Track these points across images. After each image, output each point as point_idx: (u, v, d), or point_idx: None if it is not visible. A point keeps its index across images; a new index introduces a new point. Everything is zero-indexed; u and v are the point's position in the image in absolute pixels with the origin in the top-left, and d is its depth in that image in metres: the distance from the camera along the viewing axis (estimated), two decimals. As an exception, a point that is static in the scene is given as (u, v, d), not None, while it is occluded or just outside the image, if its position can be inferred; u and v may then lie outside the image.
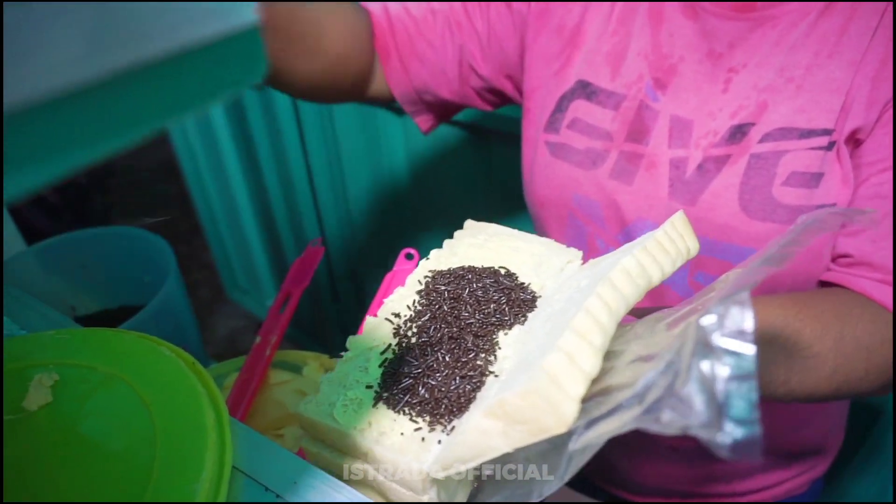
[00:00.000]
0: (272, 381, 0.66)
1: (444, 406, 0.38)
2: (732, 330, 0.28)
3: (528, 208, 0.73)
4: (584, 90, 0.64)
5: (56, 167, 0.17)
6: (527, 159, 0.71)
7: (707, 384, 0.27)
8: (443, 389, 0.38)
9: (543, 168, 0.67)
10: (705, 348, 0.28)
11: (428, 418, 0.37)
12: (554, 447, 0.33)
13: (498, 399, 0.32)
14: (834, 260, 0.58)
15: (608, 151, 0.63)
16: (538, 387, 0.30)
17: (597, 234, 0.65)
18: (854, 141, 0.55)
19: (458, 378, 0.39)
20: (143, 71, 0.19)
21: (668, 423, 0.27)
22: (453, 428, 0.36)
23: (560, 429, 0.30)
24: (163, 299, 0.66)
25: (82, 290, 0.78)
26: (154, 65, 0.19)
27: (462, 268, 0.48)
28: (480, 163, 1.21)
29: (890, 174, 0.53)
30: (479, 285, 0.46)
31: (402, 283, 0.49)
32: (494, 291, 0.45)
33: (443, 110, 0.78)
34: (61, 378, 0.42)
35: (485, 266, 0.48)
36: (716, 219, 0.57)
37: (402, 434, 0.37)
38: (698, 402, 0.27)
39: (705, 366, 0.27)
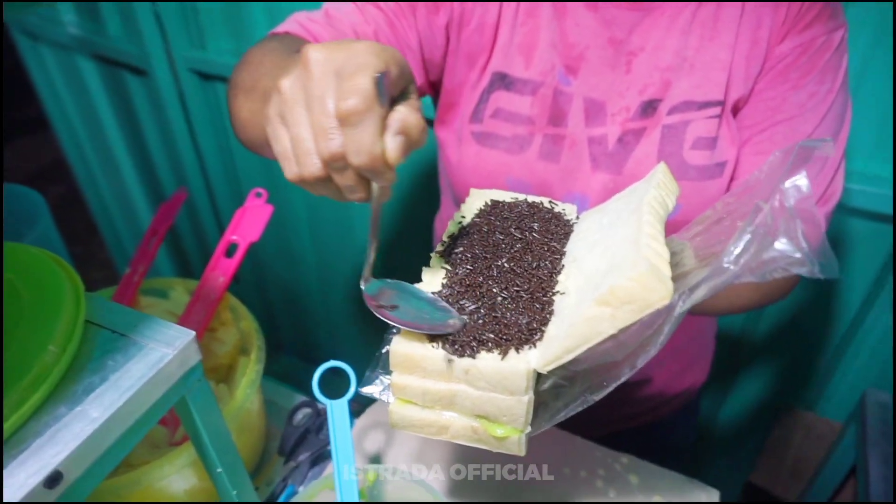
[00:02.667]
0: (142, 304, 0.77)
1: (523, 326, 0.44)
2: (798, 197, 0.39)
3: (453, 197, 0.80)
4: (502, 81, 0.69)
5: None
6: (452, 152, 0.75)
7: (794, 239, 0.37)
8: (517, 313, 0.45)
9: (472, 157, 0.71)
10: (786, 213, 0.38)
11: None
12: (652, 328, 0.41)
13: (609, 287, 0.38)
14: None
15: (533, 135, 0.69)
16: (643, 271, 0.37)
17: None
18: (735, 109, 0.67)
19: (532, 301, 0.45)
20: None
21: (771, 269, 0.38)
22: (540, 335, 0.43)
23: (665, 300, 0.38)
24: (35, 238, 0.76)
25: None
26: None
27: (502, 204, 0.57)
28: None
29: (768, 134, 0.66)
30: (521, 221, 0.54)
31: (252, 219, 0.60)
32: (537, 224, 0.54)
33: None
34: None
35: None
36: None
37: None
38: (792, 247, 0.37)
39: (790, 225, 0.38)
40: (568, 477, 0.72)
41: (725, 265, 0.39)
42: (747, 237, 0.39)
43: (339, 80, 0.39)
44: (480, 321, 0.44)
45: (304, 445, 0.77)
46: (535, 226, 0.54)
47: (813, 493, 1.41)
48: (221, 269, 0.75)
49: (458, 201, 0.79)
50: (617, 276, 0.39)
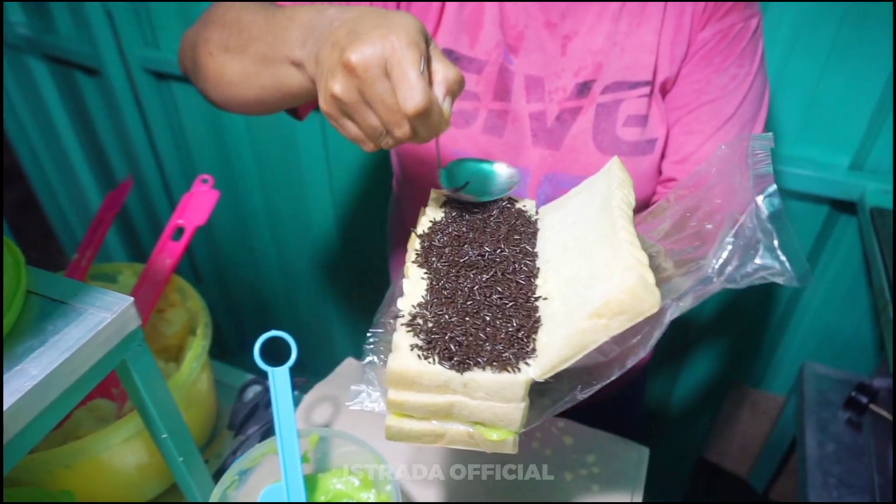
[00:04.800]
0: (91, 287, 0.78)
1: (509, 337, 0.45)
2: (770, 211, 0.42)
3: (403, 173, 0.82)
4: (449, 57, 0.69)
5: None
6: None
7: (773, 251, 0.41)
8: (506, 322, 0.46)
9: None
10: (762, 228, 0.42)
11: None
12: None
13: (604, 300, 0.41)
14: (663, 183, 0.75)
15: (478, 110, 0.72)
16: (633, 283, 0.41)
17: None
18: (663, 90, 0.72)
19: (516, 310, 0.47)
20: None
21: (752, 280, 0.42)
22: (533, 345, 0.45)
23: (655, 308, 0.41)
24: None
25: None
26: None
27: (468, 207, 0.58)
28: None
29: (695, 115, 0.71)
30: (488, 222, 0.56)
31: (198, 204, 0.62)
32: (504, 225, 0.55)
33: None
34: None
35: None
36: (577, 158, 0.72)
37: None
38: (772, 260, 0.41)
39: (768, 238, 0.42)
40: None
41: (710, 275, 0.43)
42: (728, 248, 0.43)
43: (389, 79, 0.46)
44: (471, 333, 0.45)
45: (254, 420, 0.79)
46: (504, 227, 0.56)
47: (761, 465, 1.47)
48: (168, 252, 0.77)
49: (407, 176, 0.82)
50: (607, 287, 0.42)
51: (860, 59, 1.03)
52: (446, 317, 0.47)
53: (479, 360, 0.44)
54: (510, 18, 0.72)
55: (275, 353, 0.62)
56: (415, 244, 0.55)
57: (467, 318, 0.46)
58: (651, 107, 0.72)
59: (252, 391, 0.82)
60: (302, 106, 0.83)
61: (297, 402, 0.81)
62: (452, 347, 0.44)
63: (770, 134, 0.48)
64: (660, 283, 0.43)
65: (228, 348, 1.89)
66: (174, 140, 1.58)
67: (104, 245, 1.86)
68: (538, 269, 0.51)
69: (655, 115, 0.72)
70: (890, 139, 1.07)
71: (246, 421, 0.79)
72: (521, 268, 0.51)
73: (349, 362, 0.88)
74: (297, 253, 1.64)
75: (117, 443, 0.63)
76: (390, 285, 0.57)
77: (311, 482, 0.65)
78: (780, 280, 0.42)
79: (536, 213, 0.60)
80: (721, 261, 0.43)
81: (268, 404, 0.81)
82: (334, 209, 1.50)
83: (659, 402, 1.58)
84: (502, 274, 0.50)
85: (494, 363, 0.44)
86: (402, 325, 0.47)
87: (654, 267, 0.45)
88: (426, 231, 0.56)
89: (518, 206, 0.60)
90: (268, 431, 0.78)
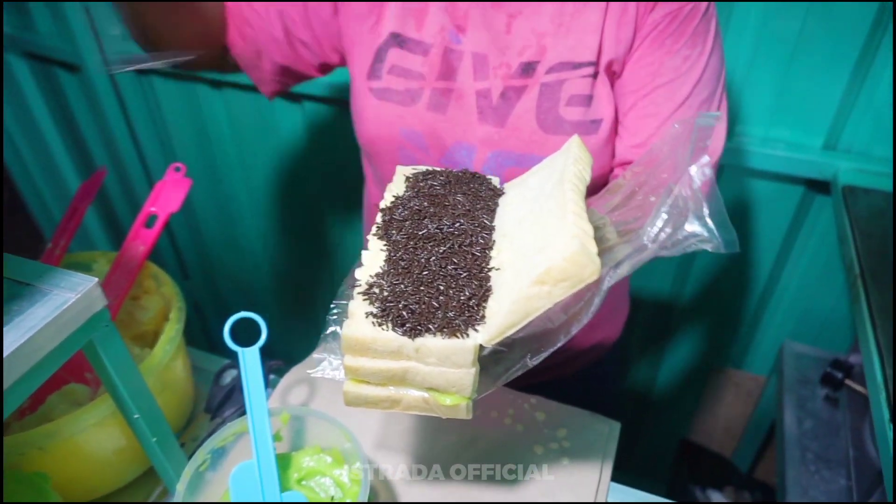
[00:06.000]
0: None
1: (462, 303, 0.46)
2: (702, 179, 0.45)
3: (362, 148, 0.85)
4: (396, 40, 0.75)
5: None
6: (356, 107, 0.80)
7: (701, 219, 0.44)
8: (458, 291, 0.47)
9: (372, 111, 0.76)
10: (694, 197, 0.44)
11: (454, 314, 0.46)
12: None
13: (545, 267, 0.43)
14: (619, 165, 0.76)
15: (423, 89, 0.74)
16: (575, 251, 0.42)
17: (423, 160, 0.78)
18: (611, 72, 0.73)
19: (469, 280, 0.48)
20: None
21: (683, 247, 0.44)
22: (482, 312, 0.46)
23: (595, 276, 0.43)
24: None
25: None
26: None
27: (432, 173, 0.60)
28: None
29: (651, 98, 0.71)
30: (449, 197, 0.57)
31: (171, 192, 0.63)
32: (463, 198, 0.56)
33: (282, 76, 0.86)
34: None
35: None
36: (521, 136, 0.73)
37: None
38: (701, 228, 0.44)
39: (697, 206, 0.44)
40: (479, 417, 0.77)
41: (645, 242, 0.45)
42: (663, 217, 0.45)
43: None
44: (424, 301, 0.47)
45: (230, 403, 0.80)
46: (463, 200, 0.57)
47: (744, 445, 1.49)
48: (141, 239, 0.78)
49: (367, 156, 0.85)
50: (551, 255, 0.43)
51: (829, 42, 1.04)
52: (402, 286, 0.48)
53: (431, 326, 0.45)
54: None
55: (255, 338, 0.63)
56: (378, 218, 0.56)
57: (422, 288, 0.48)
58: (595, 87, 0.72)
59: (229, 375, 0.83)
60: (264, 87, 0.87)
61: (273, 385, 0.82)
62: (405, 315, 0.46)
63: (719, 113, 0.50)
64: (603, 252, 0.45)
65: (217, 342, 1.89)
66: (156, 133, 1.58)
67: (87, 236, 1.87)
68: (494, 241, 0.52)
69: (601, 96, 0.73)
70: (861, 119, 1.09)
71: (222, 404, 0.80)
72: (477, 240, 0.52)
73: (326, 346, 0.89)
74: (280, 243, 1.65)
75: (91, 425, 0.64)
76: (357, 262, 0.58)
77: (283, 460, 0.66)
78: (708, 247, 0.44)
79: (500, 189, 0.61)
80: (655, 229, 0.45)
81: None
82: (316, 197, 1.51)
83: (642, 386, 1.60)
84: (459, 246, 0.51)
85: (445, 329, 0.45)
86: (358, 293, 0.48)
87: (599, 238, 0.46)
88: (388, 206, 0.57)
89: (480, 181, 0.61)
90: (244, 414, 0.79)
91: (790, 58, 1.07)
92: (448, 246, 0.51)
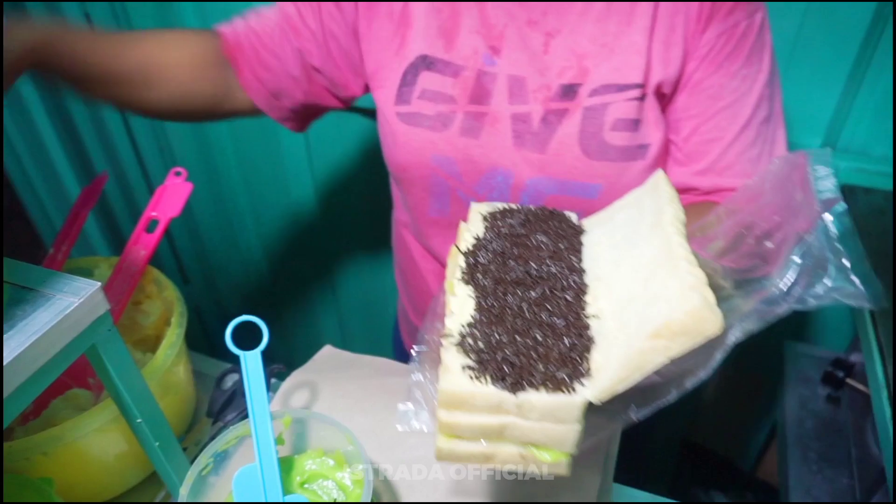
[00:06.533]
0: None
1: (564, 354, 0.44)
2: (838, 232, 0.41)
3: (392, 174, 0.84)
4: (424, 62, 0.72)
5: None
6: (384, 133, 0.78)
7: (844, 272, 0.40)
8: (555, 344, 0.44)
9: (401, 137, 0.74)
10: (831, 248, 0.40)
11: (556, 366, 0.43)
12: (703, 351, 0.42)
13: (663, 321, 0.40)
14: (681, 193, 0.72)
15: (455, 113, 0.71)
16: (697, 304, 0.39)
17: (457, 186, 0.75)
18: (659, 94, 0.69)
19: (567, 329, 0.45)
20: None
21: (822, 301, 0.40)
22: (587, 365, 0.43)
23: (718, 330, 0.39)
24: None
25: None
26: None
27: (515, 212, 0.57)
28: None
29: (714, 122, 0.69)
30: (532, 237, 0.54)
31: (172, 196, 0.63)
32: (547, 238, 0.53)
33: (305, 112, 0.85)
34: None
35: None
36: (563, 162, 0.70)
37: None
38: (844, 282, 0.40)
39: (838, 258, 0.40)
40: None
41: (777, 295, 0.41)
42: (796, 268, 0.41)
43: None
44: (522, 352, 0.44)
45: (232, 406, 0.80)
46: (546, 240, 0.54)
47: (747, 445, 1.49)
48: (143, 244, 0.78)
49: (396, 181, 0.83)
50: (668, 308, 0.41)
51: (827, 41, 1.04)
52: (496, 336, 0.46)
53: (533, 380, 0.43)
54: (490, 18, 0.71)
55: (256, 342, 0.63)
56: (457, 259, 0.53)
57: (517, 337, 0.45)
58: (644, 111, 0.69)
59: (231, 379, 0.83)
60: (289, 123, 0.85)
61: (274, 388, 0.82)
62: (505, 368, 0.43)
63: (828, 149, 0.47)
64: (719, 302, 0.41)
65: (218, 346, 1.90)
66: (156, 138, 1.59)
67: (87, 241, 1.87)
68: (587, 285, 0.50)
69: (649, 120, 0.70)
70: (860, 118, 1.09)
71: (224, 408, 0.80)
72: (569, 284, 0.50)
73: (327, 349, 0.89)
74: (281, 248, 1.65)
75: (94, 429, 0.64)
76: (433, 301, 0.55)
77: (286, 464, 0.66)
78: (852, 302, 0.40)
79: (580, 226, 0.58)
80: (788, 281, 0.41)
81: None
82: (317, 203, 1.51)
83: (644, 387, 1.59)
84: (551, 291, 0.49)
85: (548, 383, 0.43)
86: (452, 344, 0.46)
87: (713, 286, 0.43)
88: (470, 248, 0.54)
89: (560, 219, 0.58)
90: (246, 417, 0.79)
91: (788, 57, 1.07)
92: (539, 291, 0.49)
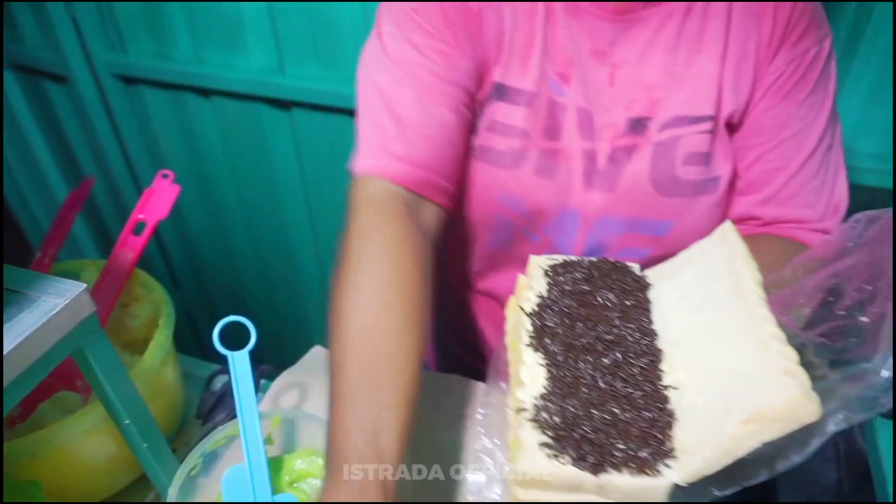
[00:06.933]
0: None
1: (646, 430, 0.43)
2: None
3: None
4: (498, 92, 0.66)
5: None
6: None
7: None
8: (634, 419, 0.43)
9: (467, 170, 0.69)
10: None
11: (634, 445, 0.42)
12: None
13: (758, 410, 0.39)
14: (740, 222, 0.70)
15: (528, 150, 0.66)
16: (795, 394, 0.38)
17: (524, 226, 0.71)
18: (729, 125, 0.66)
19: (645, 402, 0.44)
20: None
21: None
22: (671, 447, 0.42)
23: (815, 418, 0.38)
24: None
25: None
26: None
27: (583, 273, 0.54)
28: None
29: (779, 151, 0.66)
30: (598, 294, 0.52)
31: (159, 199, 0.62)
32: (614, 295, 0.51)
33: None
34: None
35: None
36: (633, 200, 0.67)
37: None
38: None
39: None
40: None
41: (884, 384, 0.39)
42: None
43: None
44: (600, 428, 0.43)
45: (221, 408, 0.80)
46: (612, 297, 0.52)
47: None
48: (130, 246, 0.78)
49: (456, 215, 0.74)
50: (761, 393, 0.40)
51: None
52: (571, 409, 0.44)
53: (615, 460, 0.41)
54: (559, 42, 0.66)
55: (244, 343, 0.63)
56: (520, 317, 0.52)
57: (593, 411, 0.44)
58: (715, 143, 0.66)
59: (220, 381, 0.83)
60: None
61: (264, 389, 0.83)
62: (584, 447, 0.42)
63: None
64: (813, 384, 0.40)
65: (209, 349, 1.89)
66: (144, 143, 1.58)
67: (76, 244, 1.87)
68: (661, 351, 0.48)
69: (719, 153, 0.67)
70: (860, 117, 1.09)
71: (214, 409, 0.80)
72: (642, 350, 0.48)
73: (316, 350, 0.89)
74: (270, 249, 1.65)
75: (82, 431, 0.64)
76: (493, 358, 0.53)
77: (275, 463, 0.66)
78: None
79: (644, 278, 0.56)
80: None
81: (235, 392, 0.82)
82: (306, 204, 1.51)
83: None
84: (624, 358, 0.47)
85: (631, 464, 0.41)
86: (527, 419, 0.44)
87: (804, 363, 0.41)
88: (535, 308, 0.52)
89: (623, 272, 0.56)
90: (235, 418, 0.79)
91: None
92: (612, 358, 0.47)
